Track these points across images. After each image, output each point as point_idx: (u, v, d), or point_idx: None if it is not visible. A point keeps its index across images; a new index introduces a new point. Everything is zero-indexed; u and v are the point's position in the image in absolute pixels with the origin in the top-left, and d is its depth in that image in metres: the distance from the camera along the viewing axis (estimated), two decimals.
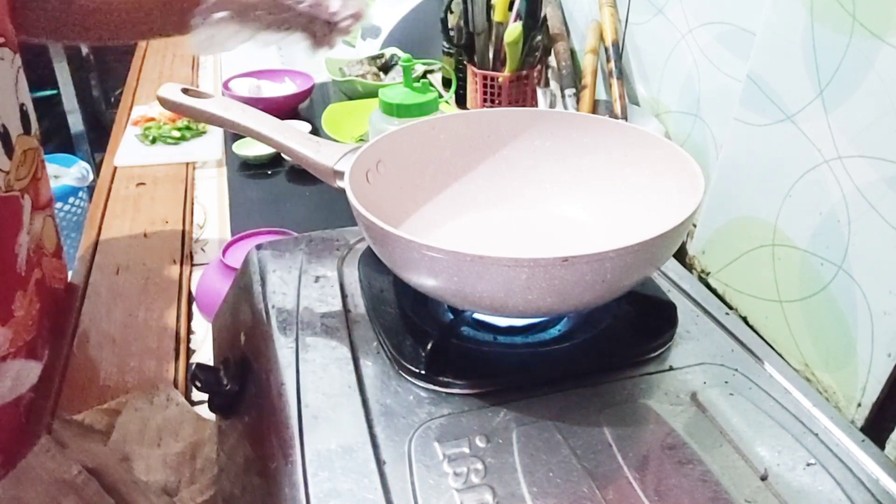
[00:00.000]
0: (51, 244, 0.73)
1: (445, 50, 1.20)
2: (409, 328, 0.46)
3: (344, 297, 0.51)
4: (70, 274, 0.82)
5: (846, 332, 0.48)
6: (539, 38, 0.94)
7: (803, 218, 0.51)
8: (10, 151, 0.62)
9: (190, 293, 0.77)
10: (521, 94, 0.95)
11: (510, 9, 0.93)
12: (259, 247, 0.56)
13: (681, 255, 0.66)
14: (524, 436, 0.39)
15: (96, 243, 0.87)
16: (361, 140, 1.00)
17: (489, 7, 0.93)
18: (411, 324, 0.46)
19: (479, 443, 0.38)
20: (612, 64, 0.81)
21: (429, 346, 0.42)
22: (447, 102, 1.11)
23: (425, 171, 0.55)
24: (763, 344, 0.48)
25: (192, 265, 0.83)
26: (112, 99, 2.72)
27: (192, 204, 0.95)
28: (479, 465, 0.37)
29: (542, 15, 0.94)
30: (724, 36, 0.64)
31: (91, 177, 2.13)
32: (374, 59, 1.21)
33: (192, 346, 0.71)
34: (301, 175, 0.95)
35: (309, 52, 0.71)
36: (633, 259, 0.39)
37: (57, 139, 2.49)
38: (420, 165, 0.55)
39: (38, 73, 2.52)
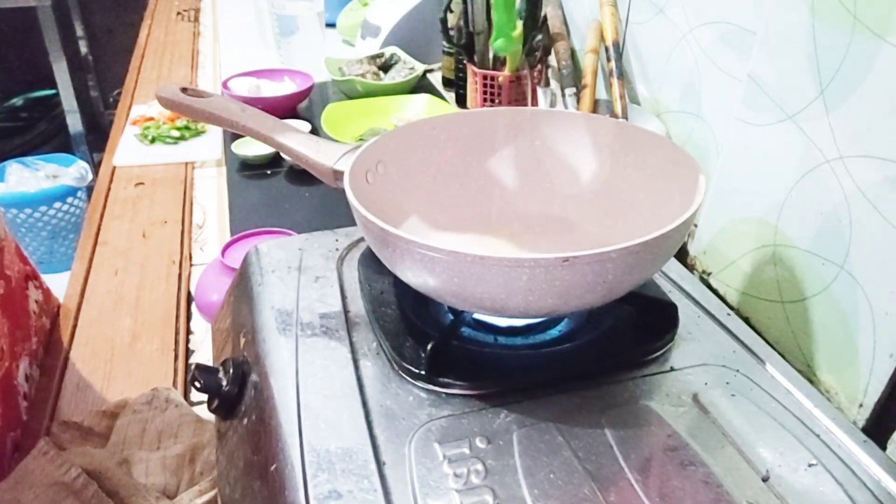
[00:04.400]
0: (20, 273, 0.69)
1: (445, 50, 1.20)
2: (409, 329, 0.46)
3: (343, 297, 0.50)
4: (69, 274, 0.82)
5: (848, 332, 0.48)
6: (539, 37, 0.93)
7: (805, 218, 0.51)
8: None
9: (189, 293, 0.77)
10: (521, 94, 0.94)
11: None
12: (258, 247, 0.56)
13: (682, 256, 0.66)
14: (525, 437, 0.39)
15: (95, 244, 0.87)
16: (361, 140, 1.00)
17: (489, 7, 0.93)
18: (411, 325, 0.46)
19: (480, 444, 0.38)
20: (613, 63, 0.81)
21: (429, 347, 0.42)
22: (447, 102, 1.11)
23: (425, 171, 0.55)
24: (765, 345, 0.47)
25: (192, 265, 0.82)
26: (111, 100, 2.72)
27: (192, 204, 0.95)
28: (480, 467, 0.37)
29: (542, 15, 0.94)
30: (725, 35, 0.63)
31: (90, 177, 2.13)
32: (373, 58, 1.21)
33: (191, 346, 0.70)
34: (301, 175, 0.94)
35: None
36: (634, 259, 0.39)
37: (56, 139, 2.49)
38: (420, 165, 0.54)
39: (37, 73, 2.53)
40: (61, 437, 0.58)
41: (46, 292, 0.74)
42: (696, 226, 0.63)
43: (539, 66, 0.95)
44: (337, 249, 0.56)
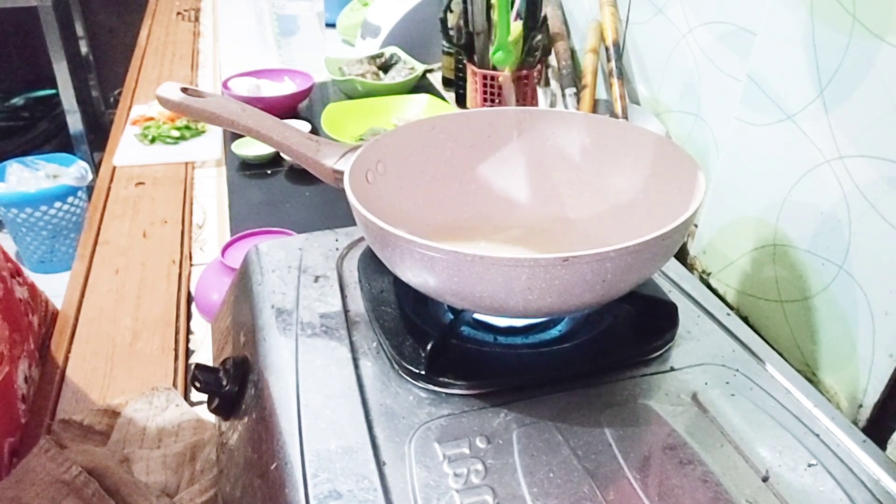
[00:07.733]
0: None
1: (445, 50, 1.20)
2: (409, 328, 0.46)
3: (343, 297, 0.50)
4: (69, 274, 0.82)
5: (847, 332, 0.48)
6: (539, 37, 0.93)
7: (804, 218, 0.51)
8: None
9: (189, 293, 0.77)
10: (521, 94, 0.94)
11: (510, 8, 0.93)
12: (258, 247, 0.56)
13: (682, 256, 0.66)
14: (524, 436, 0.39)
15: (95, 243, 0.87)
16: (361, 140, 1.00)
17: (489, 7, 0.93)
18: (411, 324, 0.46)
19: (480, 443, 0.38)
20: (613, 63, 0.81)
21: (429, 347, 0.42)
22: (447, 102, 1.11)
23: (425, 171, 0.55)
24: (764, 344, 0.47)
25: (192, 265, 0.82)
26: (111, 99, 2.72)
27: (192, 204, 0.95)
28: (480, 466, 0.37)
29: (542, 15, 0.94)
30: (725, 35, 0.64)
31: (90, 176, 2.13)
32: (373, 58, 1.21)
33: (191, 346, 0.71)
34: (301, 175, 0.95)
35: None
36: (633, 259, 0.39)
37: (56, 139, 2.49)
38: (420, 165, 0.55)
39: (38, 73, 2.53)
40: (62, 435, 0.58)
41: (32, 287, 0.73)
42: (695, 226, 0.63)
43: (539, 66, 0.95)
44: (337, 249, 0.56)
